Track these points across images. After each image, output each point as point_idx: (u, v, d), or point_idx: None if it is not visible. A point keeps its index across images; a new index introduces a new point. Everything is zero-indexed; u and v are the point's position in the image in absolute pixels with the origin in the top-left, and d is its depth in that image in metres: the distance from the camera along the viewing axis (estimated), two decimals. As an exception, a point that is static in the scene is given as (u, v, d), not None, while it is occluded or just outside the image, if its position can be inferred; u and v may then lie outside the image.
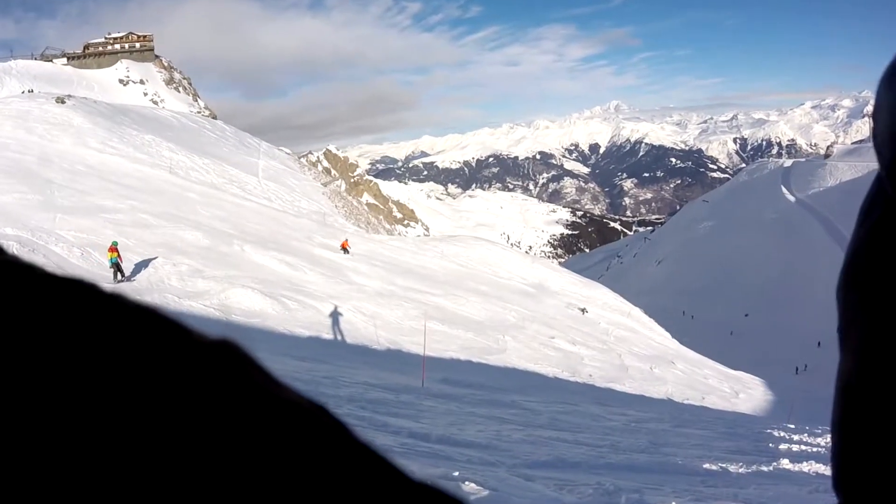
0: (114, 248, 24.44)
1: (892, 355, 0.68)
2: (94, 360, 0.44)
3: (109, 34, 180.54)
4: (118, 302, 0.48)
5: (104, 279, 22.96)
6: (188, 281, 25.29)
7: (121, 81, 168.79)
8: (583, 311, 53.97)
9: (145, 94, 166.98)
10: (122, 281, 24.44)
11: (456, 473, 7.70)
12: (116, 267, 24.47)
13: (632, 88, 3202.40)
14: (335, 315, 24.60)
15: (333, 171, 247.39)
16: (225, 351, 0.49)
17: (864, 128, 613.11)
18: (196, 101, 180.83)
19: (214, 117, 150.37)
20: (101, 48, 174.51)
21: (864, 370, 0.71)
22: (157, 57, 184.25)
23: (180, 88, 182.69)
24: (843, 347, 0.88)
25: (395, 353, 22.74)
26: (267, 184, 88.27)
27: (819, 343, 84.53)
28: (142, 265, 26.23)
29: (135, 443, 0.41)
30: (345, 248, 42.06)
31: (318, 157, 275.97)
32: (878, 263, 0.82)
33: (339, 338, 22.71)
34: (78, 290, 0.48)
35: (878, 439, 0.66)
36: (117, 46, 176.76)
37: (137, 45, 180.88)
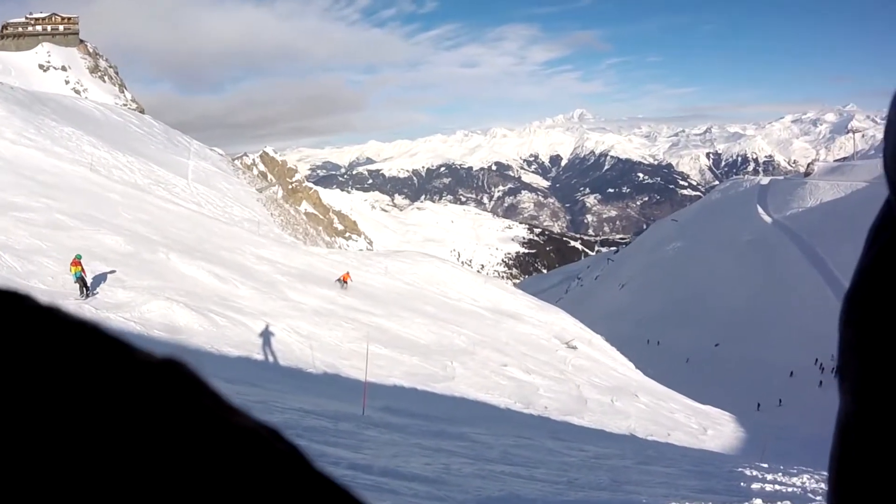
0: (77, 262, 24.01)
1: (890, 400, 0.68)
2: (25, 379, 0.42)
3: (31, 14, 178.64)
4: (54, 316, 0.47)
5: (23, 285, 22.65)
6: (107, 290, 24.98)
7: (41, 67, 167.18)
8: (569, 345, 54.57)
9: (67, 82, 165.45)
10: (88, 297, 24.15)
11: (400, 509, 7.72)
12: (82, 282, 24.19)
13: (598, 96, 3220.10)
14: (268, 334, 24.46)
15: (270, 176, 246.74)
16: (171, 371, 0.49)
17: (847, 144, 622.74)
18: (122, 92, 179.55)
19: (142, 111, 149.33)
20: (20, 29, 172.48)
21: (862, 413, 0.71)
22: (81, 42, 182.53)
23: (106, 78, 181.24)
24: (841, 387, 0.88)
25: (333, 377, 22.69)
26: (197, 187, 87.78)
27: (791, 373, 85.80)
28: (56, 271, 25.87)
29: (65, 474, 0.39)
30: (344, 281, 42.27)
31: (253, 159, 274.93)
32: (881, 295, 0.80)
33: (271, 359, 22.61)
34: (8, 303, 0.46)
35: (877, 483, 0.67)
36: (39, 28, 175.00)
37: (61, 27, 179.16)
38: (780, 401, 75.20)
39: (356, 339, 28.03)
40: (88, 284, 24.70)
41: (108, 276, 26.30)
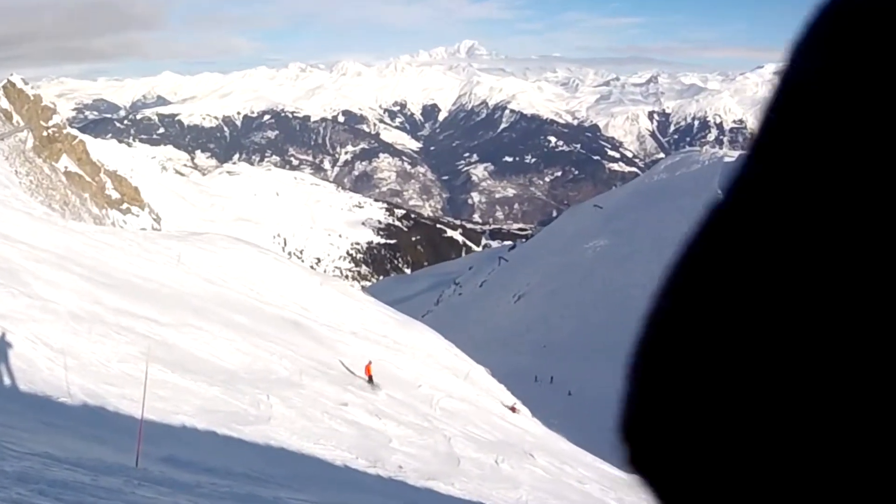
0: None
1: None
2: None
3: None
4: None
5: None
6: None
7: None
8: (512, 408, 55.15)
9: None
10: None
11: None
12: None
13: (497, 25, 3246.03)
14: (3, 346, 24.20)
15: (16, 117, 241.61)
16: None
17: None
18: None
19: None
20: None
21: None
22: None
23: None
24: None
25: (96, 411, 22.50)
26: None
27: None
28: None
29: None
30: (370, 377, 43.52)
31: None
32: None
33: (6, 382, 22.34)
34: None
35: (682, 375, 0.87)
36: None
37: None
38: None
39: (130, 357, 27.88)
40: None
41: None
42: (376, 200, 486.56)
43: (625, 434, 0.74)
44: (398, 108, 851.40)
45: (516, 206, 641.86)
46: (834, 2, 0.74)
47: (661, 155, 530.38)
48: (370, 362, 44.93)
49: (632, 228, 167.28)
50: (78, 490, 12.07)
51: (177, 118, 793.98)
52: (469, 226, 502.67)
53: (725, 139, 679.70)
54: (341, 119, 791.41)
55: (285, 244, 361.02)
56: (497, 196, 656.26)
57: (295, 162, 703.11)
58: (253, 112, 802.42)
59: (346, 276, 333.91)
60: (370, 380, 43.25)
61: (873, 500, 0.74)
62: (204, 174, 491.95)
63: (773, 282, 0.84)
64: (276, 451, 25.61)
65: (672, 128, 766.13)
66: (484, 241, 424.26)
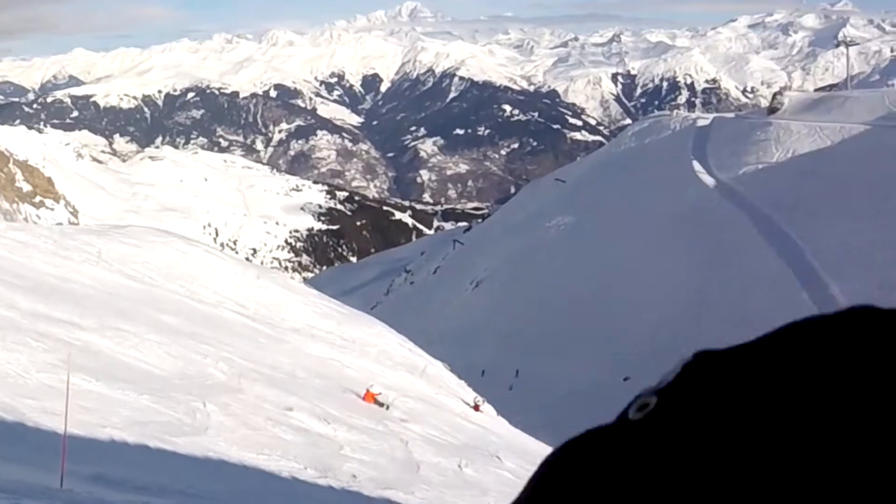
0: None
1: None
2: None
3: None
4: None
5: None
6: None
7: None
8: (475, 407, 55.29)
9: None
10: None
11: None
12: None
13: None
14: None
15: None
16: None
17: (836, 64, 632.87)
18: None
19: None
20: None
21: None
22: None
23: None
24: None
25: (14, 427, 22.43)
26: None
27: None
28: None
29: None
30: (377, 402, 44.73)
31: None
32: None
33: (-89, 399, 22.27)
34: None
35: None
36: None
37: None
38: None
39: (50, 366, 27.78)
40: None
41: None
42: (315, 182, 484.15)
43: None
44: (336, 79, 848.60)
45: (470, 183, 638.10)
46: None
47: (628, 121, 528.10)
48: (368, 390, 45.35)
49: (598, 203, 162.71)
50: (-3, 517, 12.00)
51: (91, 100, 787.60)
52: (419, 207, 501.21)
53: (698, 101, 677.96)
54: (273, 94, 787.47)
55: (217, 235, 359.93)
56: (448, 173, 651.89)
57: (224, 143, 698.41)
58: (175, 90, 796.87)
59: (286, 268, 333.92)
60: (381, 405, 44.17)
61: None
62: (124, 160, 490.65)
63: None
64: (215, 464, 25.56)
65: (639, 91, 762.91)
66: (436, 224, 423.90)
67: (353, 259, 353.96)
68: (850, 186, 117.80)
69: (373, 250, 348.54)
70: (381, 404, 44.06)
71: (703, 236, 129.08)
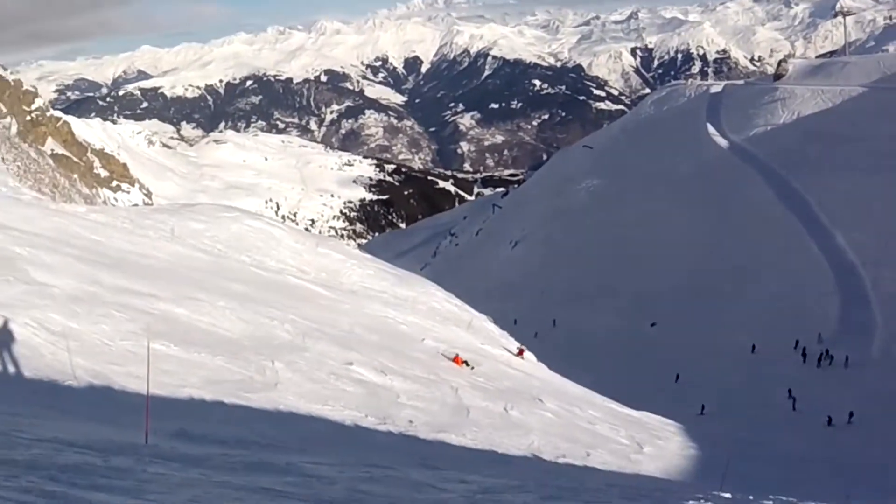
0: None
1: None
2: None
3: None
4: None
5: None
6: None
7: None
8: (519, 353, 55.31)
9: None
10: None
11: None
12: None
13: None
14: (3, 335, 24.09)
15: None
16: None
17: (835, 32, 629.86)
18: None
19: None
20: None
21: None
22: None
23: None
24: None
25: (102, 391, 22.45)
26: None
27: (753, 347, 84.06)
28: None
29: None
30: (465, 363, 46.03)
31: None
32: None
33: (10, 370, 22.28)
34: None
35: None
36: None
37: None
38: (733, 387, 74.58)
39: (132, 334, 27.82)
40: None
41: None
42: (365, 157, 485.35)
43: None
44: (380, 63, 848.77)
45: (506, 152, 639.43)
46: None
47: (647, 90, 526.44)
48: (457, 355, 46.43)
49: (622, 166, 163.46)
50: (89, 472, 12.02)
51: (159, 91, 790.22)
52: (460, 175, 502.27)
53: (710, 70, 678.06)
54: (324, 79, 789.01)
55: (278, 208, 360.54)
56: (486, 144, 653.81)
57: (281, 125, 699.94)
58: (235, 79, 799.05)
59: (342, 236, 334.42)
60: (468, 366, 45.29)
61: None
62: (191, 145, 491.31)
63: None
64: (285, 416, 25.58)
65: (656, 62, 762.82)
66: (476, 190, 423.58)
67: (403, 225, 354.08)
68: (851, 144, 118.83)
69: (420, 217, 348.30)
70: (469, 365, 45.21)
71: (718, 192, 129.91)
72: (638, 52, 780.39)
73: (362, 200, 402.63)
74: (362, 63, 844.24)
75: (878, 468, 46.08)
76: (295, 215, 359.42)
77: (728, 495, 18.16)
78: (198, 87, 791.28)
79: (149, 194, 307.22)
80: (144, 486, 11.75)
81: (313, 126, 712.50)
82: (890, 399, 63.09)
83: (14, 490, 10.23)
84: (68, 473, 11.78)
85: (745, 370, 79.04)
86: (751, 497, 17.40)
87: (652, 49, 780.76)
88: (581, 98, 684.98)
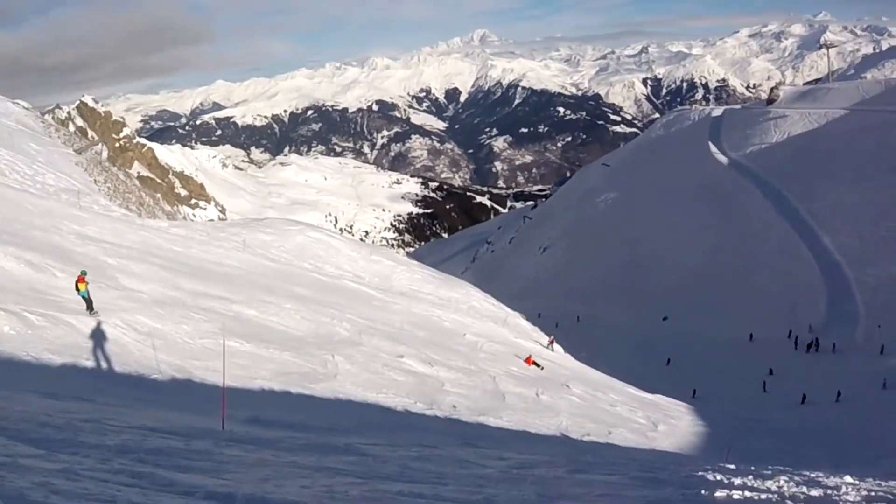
0: (83, 279, 26.44)
1: None
2: None
3: None
4: None
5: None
6: None
7: None
8: (550, 342, 55.48)
9: None
10: (95, 313, 26.36)
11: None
12: (88, 301, 26.62)
13: (504, 14, 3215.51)
14: (98, 333, 24.11)
15: (91, 133, 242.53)
16: None
17: (820, 63, 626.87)
18: None
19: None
20: None
21: None
22: None
23: None
24: None
25: (184, 384, 22.50)
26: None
27: (751, 336, 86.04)
28: None
29: None
30: (535, 364, 47.36)
31: (69, 112, 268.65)
32: None
33: (104, 365, 22.30)
34: None
35: None
36: None
37: None
38: (736, 371, 75.26)
39: (210, 333, 27.88)
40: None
41: None
42: (412, 176, 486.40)
43: None
44: (424, 94, 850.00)
45: (534, 170, 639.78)
46: None
47: (657, 115, 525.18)
48: (529, 356, 47.98)
49: (636, 181, 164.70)
50: (173, 455, 12.01)
51: (232, 120, 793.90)
52: (495, 191, 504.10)
53: (711, 97, 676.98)
54: (375, 108, 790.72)
55: (336, 221, 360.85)
56: (517, 163, 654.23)
57: (338, 149, 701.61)
58: (297, 109, 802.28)
59: (392, 245, 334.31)
60: (538, 366, 46.71)
61: None
62: (260, 167, 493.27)
63: None
64: (344, 403, 25.66)
65: (664, 91, 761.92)
66: (509, 203, 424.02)
67: (445, 235, 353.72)
68: (835, 159, 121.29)
69: (460, 227, 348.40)
70: (539, 366, 46.60)
71: (719, 202, 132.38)
72: (648, 81, 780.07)
73: (410, 214, 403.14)
74: (408, 94, 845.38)
75: (863, 440, 46.41)
76: (351, 227, 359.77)
77: (732, 466, 18.25)
78: (265, 117, 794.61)
79: (223, 210, 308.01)
80: (221, 467, 11.71)
81: (366, 149, 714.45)
82: (872, 379, 64.86)
83: (107, 472, 10.18)
84: (154, 456, 11.77)
85: (744, 356, 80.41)
86: (752, 467, 17.31)
87: (660, 79, 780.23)
88: (599, 122, 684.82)
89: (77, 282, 26.75)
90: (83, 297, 26.63)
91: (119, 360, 22.87)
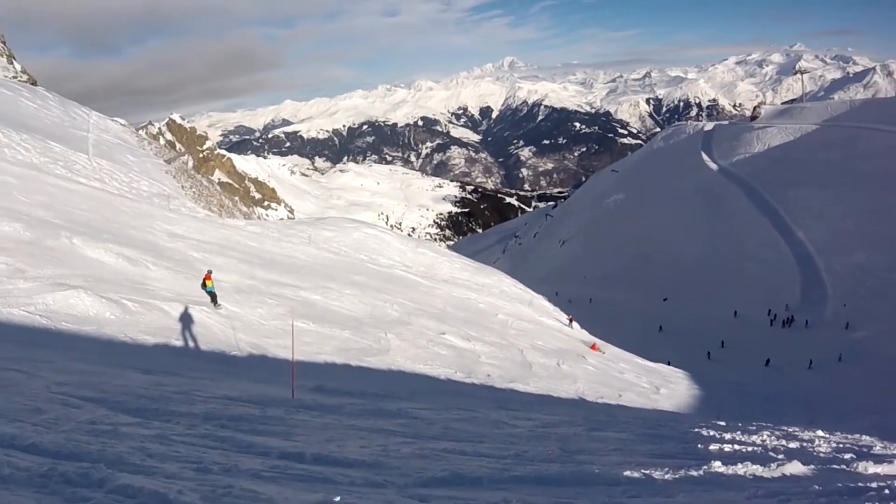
0: (209, 276, 27.59)
1: None
2: None
3: None
4: None
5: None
6: (7, 283, 24.02)
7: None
8: (570, 320, 55.56)
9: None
10: (219, 306, 27.17)
11: (337, 499, 7.61)
12: (213, 295, 27.42)
13: (530, 43, 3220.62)
14: (185, 317, 24.08)
15: (179, 145, 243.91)
16: None
17: (795, 86, 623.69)
18: (11, 63, 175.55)
19: (34, 83, 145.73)
20: None
21: None
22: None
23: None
24: None
25: (259, 359, 22.51)
26: (99, 162, 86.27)
27: (735, 312, 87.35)
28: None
29: None
30: (599, 349, 49.56)
31: (159, 128, 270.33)
32: None
33: (191, 344, 22.28)
34: None
35: None
36: None
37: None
38: (723, 343, 76.31)
39: (281, 315, 27.87)
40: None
41: (7, 267, 25.25)
42: (452, 181, 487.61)
43: None
44: (461, 111, 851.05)
45: (555, 175, 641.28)
46: None
47: (658, 129, 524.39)
48: (594, 344, 50.20)
49: (641, 184, 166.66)
50: (250, 420, 11.97)
51: (298, 134, 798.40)
52: (522, 193, 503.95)
53: (704, 114, 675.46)
54: (420, 123, 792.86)
55: (387, 220, 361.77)
56: (540, 170, 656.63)
57: (389, 158, 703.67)
58: (354, 124, 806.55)
59: (435, 239, 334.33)
60: (601, 352, 48.40)
61: None
62: (322, 174, 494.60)
63: None
64: (395, 374, 25.66)
65: (664, 109, 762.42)
66: (534, 204, 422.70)
67: (480, 230, 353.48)
68: (807, 166, 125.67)
69: (492, 224, 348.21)
70: (602, 351, 48.25)
71: (711, 203, 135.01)
72: (651, 101, 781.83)
73: (450, 213, 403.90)
74: (448, 111, 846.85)
75: (832, 400, 48.65)
76: (400, 224, 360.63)
77: (723, 423, 19.23)
78: (327, 131, 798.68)
79: (291, 211, 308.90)
80: (292, 431, 11.67)
81: (412, 158, 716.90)
82: (840, 350, 67.88)
83: (195, 436, 10.14)
84: (235, 422, 11.74)
85: (729, 330, 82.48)
86: (739, 424, 17.49)
87: (661, 99, 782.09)
88: (610, 135, 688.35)
89: (204, 279, 27.53)
90: (209, 292, 27.32)
91: (204, 339, 22.89)
